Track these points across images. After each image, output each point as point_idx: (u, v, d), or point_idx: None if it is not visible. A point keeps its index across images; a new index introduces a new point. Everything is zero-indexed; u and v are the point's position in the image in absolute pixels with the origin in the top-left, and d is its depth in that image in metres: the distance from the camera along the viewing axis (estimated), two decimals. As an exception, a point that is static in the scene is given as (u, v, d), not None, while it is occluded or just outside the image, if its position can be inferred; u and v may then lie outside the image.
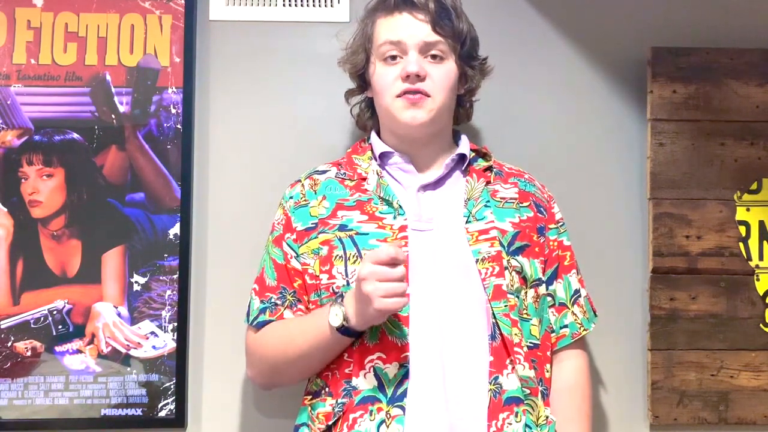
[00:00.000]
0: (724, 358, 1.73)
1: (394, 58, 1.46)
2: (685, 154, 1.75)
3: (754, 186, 1.75)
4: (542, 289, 1.48)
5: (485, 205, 1.46)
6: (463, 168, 1.52)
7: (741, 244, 1.75)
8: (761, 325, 1.74)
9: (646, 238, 1.77)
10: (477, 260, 1.40)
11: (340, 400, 1.36)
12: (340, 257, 1.40)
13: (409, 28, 1.46)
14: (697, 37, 1.80)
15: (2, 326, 1.67)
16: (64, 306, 1.67)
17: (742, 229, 1.75)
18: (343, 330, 1.33)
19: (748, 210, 1.75)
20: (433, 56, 1.46)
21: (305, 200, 1.50)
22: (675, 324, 1.73)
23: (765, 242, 1.75)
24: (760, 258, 1.75)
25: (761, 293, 1.74)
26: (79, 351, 1.67)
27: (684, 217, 1.74)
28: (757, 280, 1.74)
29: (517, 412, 1.35)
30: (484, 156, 1.56)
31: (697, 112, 1.75)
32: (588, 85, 1.82)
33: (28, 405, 1.66)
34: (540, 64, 1.81)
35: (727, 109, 1.76)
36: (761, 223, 1.75)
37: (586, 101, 1.82)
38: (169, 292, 1.69)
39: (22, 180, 1.69)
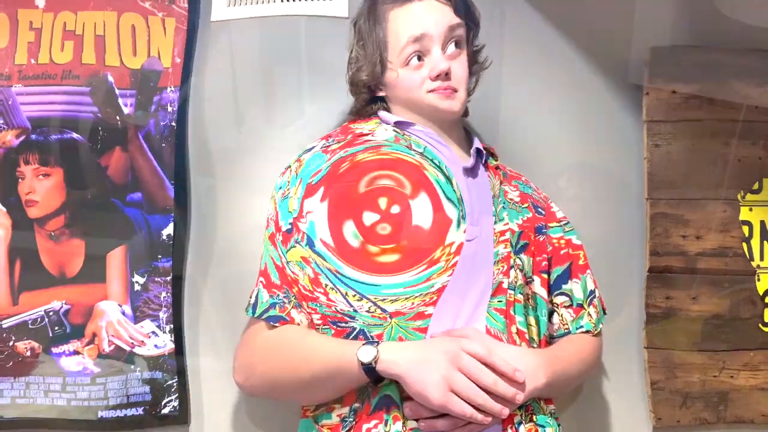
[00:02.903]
0: (724, 358, 1.73)
1: (420, 58, 1.42)
2: (681, 155, 1.75)
3: (755, 186, 1.76)
4: (536, 286, 1.45)
5: (503, 206, 1.45)
6: (483, 162, 1.50)
7: (744, 244, 1.75)
8: (760, 324, 1.74)
9: (645, 238, 1.77)
10: (495, 262, 1.37)
11: (352, 406, 1.28)
12: (332, 288, 1.29)
13: (433, 13, 1.42)
14: (697, 37, 1.81)
15: (3, 326, 1.65)
16: (62, 307, 1.65)
17: (746, 229, 1.76)
18: (368, 369, 1.22)
19: (750, 210, 1.76)
20: (456, 43, 1.44)
21: (288, 189, 1.38)
22: (671, 322, 1.73)
23: (766, 242, 1.76)
24: (761, 258, 1.75)
25: (761, 293, 1.75)
26: (76, 352, 1.65)
27: (680, 217, 1.74)
28: (758, 280, 1.75)
29: (528, 414, 1.33)
30: (492, 155, 1.56)
31: (698, 111, 1.76)
32: (588, 85, 1.82)
33: (30, 404, 1.64)
34: (539, 64, 1.81)
35: (727, 109, 1.76)
36: (762, 224, 1.76)
37: (585, 101, 1.82)
38: (164, 293, 1.67)
39: (20, 179, 1.67)
